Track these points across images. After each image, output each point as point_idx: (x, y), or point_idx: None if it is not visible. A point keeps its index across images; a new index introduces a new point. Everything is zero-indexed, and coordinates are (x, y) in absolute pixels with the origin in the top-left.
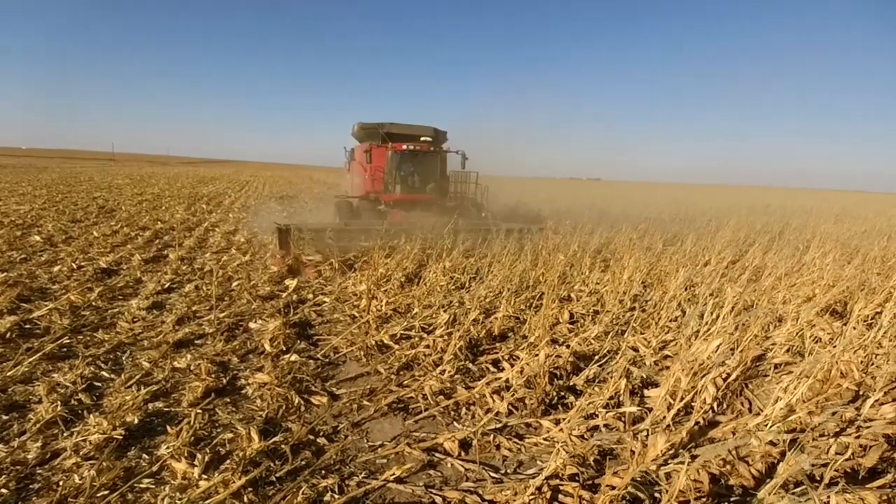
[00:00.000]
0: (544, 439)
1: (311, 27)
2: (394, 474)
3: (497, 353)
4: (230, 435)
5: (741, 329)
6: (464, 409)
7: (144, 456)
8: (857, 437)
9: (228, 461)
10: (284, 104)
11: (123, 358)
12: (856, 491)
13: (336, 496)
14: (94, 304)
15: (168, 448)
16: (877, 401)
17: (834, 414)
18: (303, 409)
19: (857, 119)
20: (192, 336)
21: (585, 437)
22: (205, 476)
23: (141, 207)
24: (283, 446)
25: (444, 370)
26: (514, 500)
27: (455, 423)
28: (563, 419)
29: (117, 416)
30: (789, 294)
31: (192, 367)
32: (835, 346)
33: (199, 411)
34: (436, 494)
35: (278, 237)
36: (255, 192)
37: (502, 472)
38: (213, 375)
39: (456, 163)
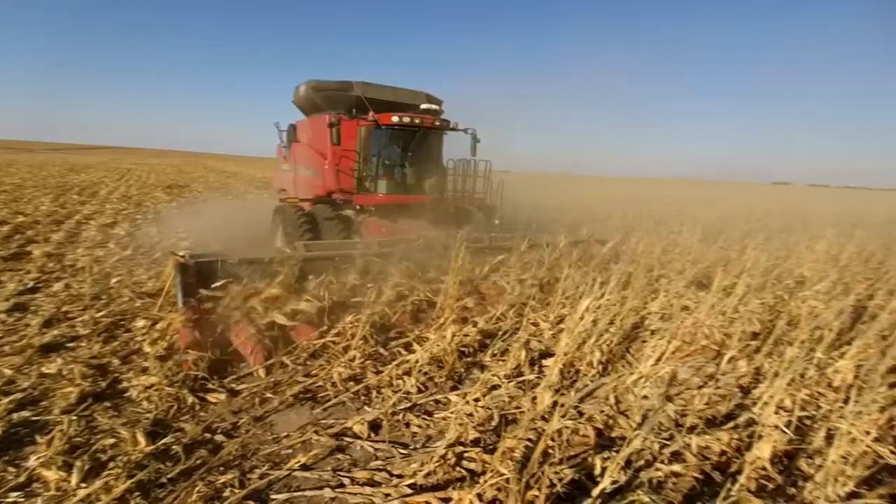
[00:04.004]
0: (452, 412)
1: None
2: (299, 462)
3: (408, 336)
4: (112, 440)
5: (621, 301)
6: (374, 393)
7: (10, 469)
8: (717, 388)
9: (112, 467)
10: (175, 83)
11: None
12: (713, 432)
13: (236, 490)
14: None
15: (38, 458)
16: (732, 357)
17: (699, 370)
18: (197, 407)
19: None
20: (63, 339)
21: (489, 407)
22: (84, 484)
23: None
24: (174, 447)
25: (354, 356)
26: (421, 470)
27: (366, 407)
28: (469, 392)
29: None
30: (664, 269)
31: (64, 372)
32: (699, 313)
33: (75, 418)
34: (344, 476)
35: (181, 283)
36: (138, 181)
37: (411, 447)
38: (89, 380)
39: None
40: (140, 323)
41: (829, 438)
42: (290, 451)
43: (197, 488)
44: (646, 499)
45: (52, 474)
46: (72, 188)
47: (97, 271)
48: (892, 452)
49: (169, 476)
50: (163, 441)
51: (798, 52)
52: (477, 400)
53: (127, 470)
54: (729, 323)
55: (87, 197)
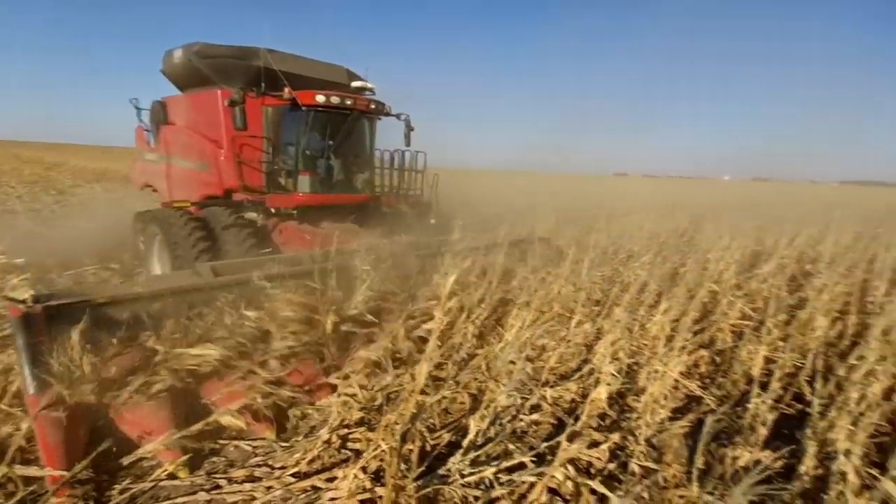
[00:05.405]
0: (337, 396)
1: None
2: (166, 471)
3: None
4: None
5: (490, 280)
6: None
7: None
8: (568, 347)
9: None
10: None
11: None
12: (564, 384)
13: None
14: None
15: None
16: (579, 321)
17: (553, 333)
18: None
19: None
20: None
21: (373, 388)
22: None
23: None
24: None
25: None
26: (305, 458)
27: None
28: (353, 375)
29: None
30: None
31: None
32: (553, 285)
33: None
34: (220, 478)
35: (26, 346)
36: None
37: (294, 439)
38: None
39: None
40: None
41: (650, 378)
42: (154, 462)
43: None
44: (511, 445)
45: None
46: None
47: None
48: (698, 387)
49: None
50: None
51: (621, 53)
52: (361, 384)
53: None
54: (576, 292)
55: None
